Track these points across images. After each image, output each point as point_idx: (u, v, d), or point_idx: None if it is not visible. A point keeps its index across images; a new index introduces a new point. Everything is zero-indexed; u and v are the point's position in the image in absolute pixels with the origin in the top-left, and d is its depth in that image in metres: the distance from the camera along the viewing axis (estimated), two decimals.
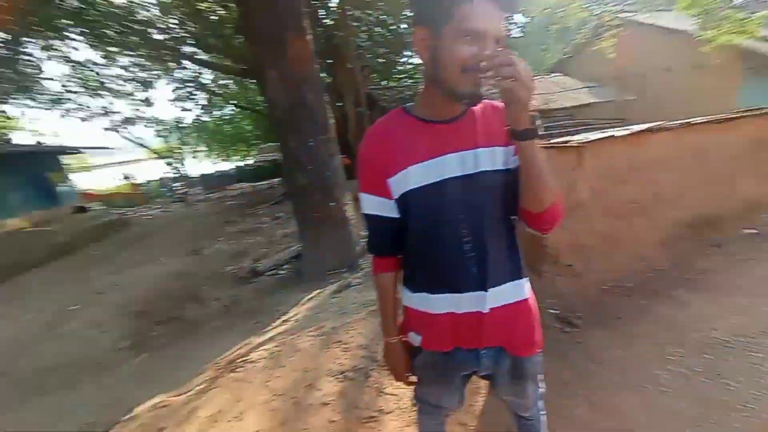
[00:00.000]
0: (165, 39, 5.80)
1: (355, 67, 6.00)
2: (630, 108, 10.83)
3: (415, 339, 1.09)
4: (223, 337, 3.34)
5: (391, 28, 8.10)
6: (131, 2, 5.65)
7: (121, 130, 14.99)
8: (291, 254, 5.01)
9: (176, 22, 6.40)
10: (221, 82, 11.60)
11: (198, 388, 2.33)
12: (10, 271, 7.10)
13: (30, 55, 6.16)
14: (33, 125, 16.80)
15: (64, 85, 10.03)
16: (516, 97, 0.77)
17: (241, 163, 18.40)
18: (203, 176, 15.96)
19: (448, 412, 1.28)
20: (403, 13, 7.12)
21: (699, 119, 3.40)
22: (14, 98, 9.80)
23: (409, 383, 1.19)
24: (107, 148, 14.44)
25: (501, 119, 0.91)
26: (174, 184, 17.52)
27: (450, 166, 0.93)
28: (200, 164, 22.59)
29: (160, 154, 19.39)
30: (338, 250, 4.07)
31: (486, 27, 0.81)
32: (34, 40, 5.44)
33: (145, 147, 18.40)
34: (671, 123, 3.30)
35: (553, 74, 12.69)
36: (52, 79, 10.16)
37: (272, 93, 3.77)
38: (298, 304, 3.38)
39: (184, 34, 6.05)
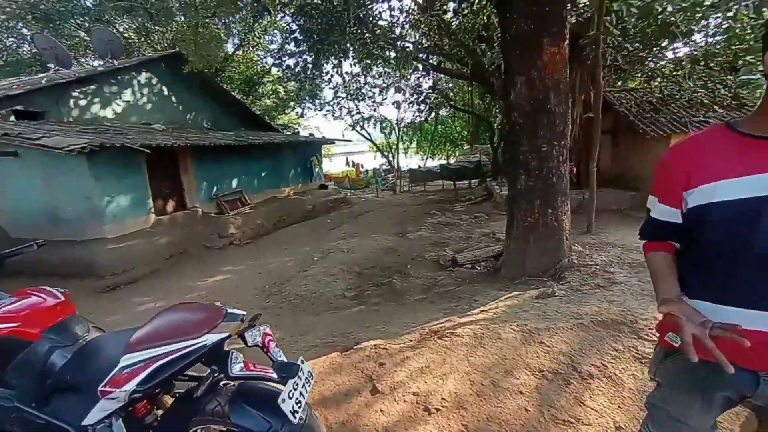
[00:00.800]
0: (411, 50, 6.86)
1: (596, 68, 5.50)
2: None
3: (675, 340, 1.03)
4: (426, 309, 3.80)
5: (658, 14, 6.97)
6: (392, 23, 7.00)
7: (357, 126, 18.56)
8: (489, 253, 5.16)
9: (421, 34, 7.50)
10: (444, 86, 12.68)
11: (410, 342, 2.79)
12: (279, 224, 9.96)
13: (323, 71, 8.42)
14: (308, 122, 22.78)
15: (336, 92, 13.33)
16: None
17: (445, 162, 19.67)
18: (411, 170, 17.93)
19: (685, 430, 1.12)
20: None
21: None
22: (304, 102, 13.77)
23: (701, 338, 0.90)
24: (350, 141, 18.13)
25: None
26: (386, 175, 20.39)
27: None
28: (409, 159, 25.44)
29: (379, 148, 22.91)
30: (544, 257, 3.94)
31: None
32: (327, 60, 7.46)
33: (370, 141, 22.14)
34: None
35: None
36: (331, 88, 13.55)
37: (517, 97, 3.89)
38: (496, 299, 3.50)
39: (427, 44, 7.00)
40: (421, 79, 11.95)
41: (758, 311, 0.94)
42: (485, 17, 7.31)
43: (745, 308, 0.96)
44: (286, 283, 5.50)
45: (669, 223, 1.09)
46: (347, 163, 24.53)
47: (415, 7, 7.21)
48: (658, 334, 1.21)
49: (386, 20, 7.21)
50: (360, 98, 13.72)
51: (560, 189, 3.90)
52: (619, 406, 1.96)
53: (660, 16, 6.41)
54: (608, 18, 5.62)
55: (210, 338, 1.27)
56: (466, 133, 20.90)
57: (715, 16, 7.59)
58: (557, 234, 3.95)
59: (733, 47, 7.50)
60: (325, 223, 10.31)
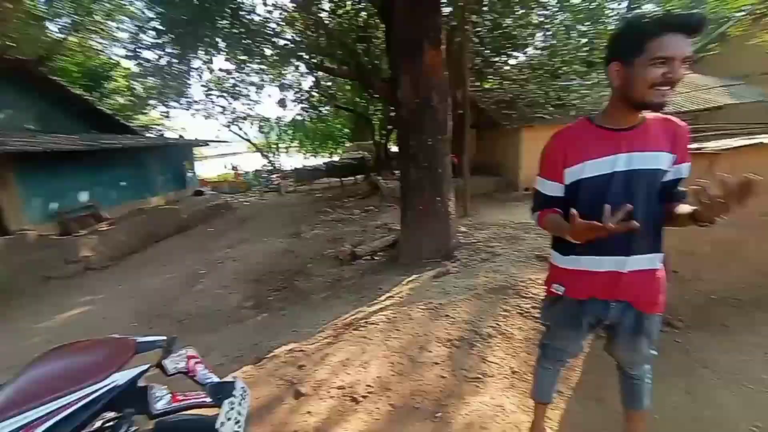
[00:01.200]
0: (289, 47, 6.66)
1: (463, 70, 6.23)
2: None
3: (558, 289, 1.39)
4: (333, 305, 3.81)
5: (503, 28, 8.20)
6: (266, 18, 6.66)
7: (233, 126, 17.24)
8: (386, 243, 5.43)
9: (298, 32, 7.34)
10: (324, 84, 12.67)
11: (325, 340, 2.77)
12: (149, 239, 8.64)
13: (191, 66, 7.52)
14: (172, 122, 20.08)
15: (206, 90, 12.03)
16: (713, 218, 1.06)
17: (329, 159, 19.77)
18: (296, 169, 17.52)
19: (569, 358, 1.57)
20: (514, 10, 7.24)
21: None
22: (169, 100, 12.09)
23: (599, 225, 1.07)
24: (226, 142, 16.63)
25: (668, 130, 1.21)
26: (269, 175, 19.48)
27: (619, 163, 1.21)
28: (292, 159, 24.76)
29: (259, 148, 21.72)
30: (437, 240, 4.34)
31: (674, 53, 1.05)
32: (195, 55, 6.67)
33: (248, 141, 20.80)
34: None
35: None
36: (202, 85, 12.17)
37: (404, 96, 4.17)
38: (399, 284, 3.71)
39: (305, 42, 6.89)
40: (301, 78, 11.72)
41: (608, 256, 1.27)
42: (363, 18, 7.57)
43: (600, 255, 1.28)
44: (171, 304, 4.86)
45: (555, 197, 1.34)
46: (225, 166, 22.62)
47: (291, 4, 7.03)
48: (545, 286, 1.51)
49: (260, 15, 6.84)
50: (235, 96, 12.72)
51: (446, 178, 4.34)
52: (512, 356, 2.32)
53: (505, 29, 7.63)
54: (467, 28, 6.42)
55: (118, 377, 1.06)
56: (347, 130, 21.33)
57: (540, 34, 9.38)
58: (445, 219, 4.39)
59: (555, 59, 9.36)
60: (207, 233, 9.36)
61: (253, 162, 24.67)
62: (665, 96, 1.10)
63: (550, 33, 9.23)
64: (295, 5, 6.83)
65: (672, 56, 1.05)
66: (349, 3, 7.60)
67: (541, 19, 8.69)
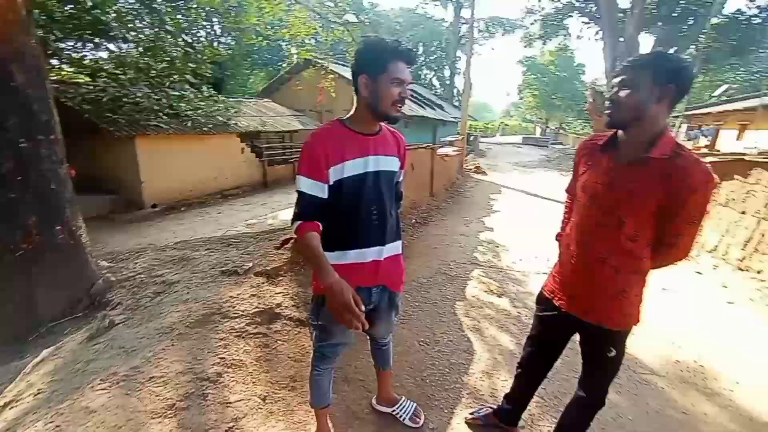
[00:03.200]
0: None
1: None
2: None
3: None
4: None
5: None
6: None
7: None
8: None
9: None
10: None
11: None
12: None
13: None
14: None
15: None
16: None
17: None
18: None
19: (344, 350, 1.66)
20: None
21: None
22: None
23: (362, 320, 1.21)
24: None
25: (396, 140, 1.51)
26: None
27: (369, 164, 1.38)
28: None
29: None
30: (68, 288, 2.97)
31: (405, 77, 1.31)
32: None
33: None
34: None
35: (263, 99, 13.82)
36: None
37: None
38: (21, 374, 2.26)
39: None
40: None
41: (371, 248, 1.45)
42: None
43: (365, 248, 1.44)
44: None
45: (318, 197, 1.32)
46: None
47: None
48: (313, 283, 1.48)
49: None
50: None
51: (67, 197, 3.01)
52: (254, 384, 2.08)
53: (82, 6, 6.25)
54: None
55: None
56: None
57: (147, 30, 8.40)
58: (77, 254, 3.08)
59: (161, 63, 8.73)
60: None
61: None
62: (400, 111, 1.36)
63: (151, 32, 8.50)
64: None
65: (405, 79, 1.30)
66: None
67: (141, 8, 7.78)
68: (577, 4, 16.24)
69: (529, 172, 14.21)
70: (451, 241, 5.25)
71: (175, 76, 8.95)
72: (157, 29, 8.30)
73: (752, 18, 12.21)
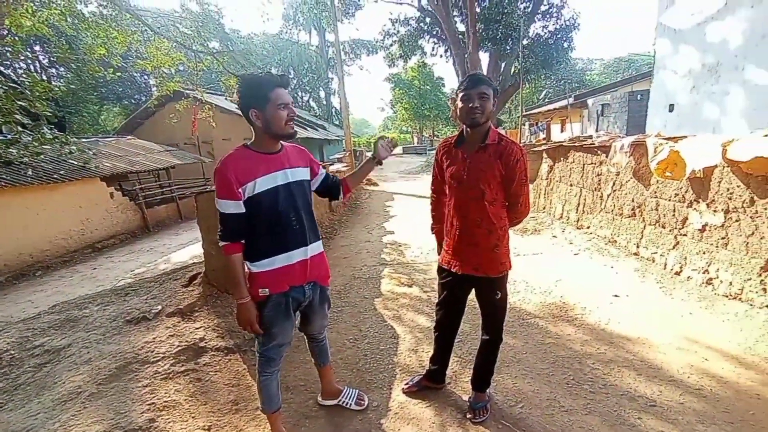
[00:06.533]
0: None
1: None
2: (208, 168, 12.89)
3: (264, 291, 1.63)
4: None
5: None
6: None
7: None
8: None
9: None
10: None
11: None
12: None
13: None
14: None
15: None
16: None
17: None
18: None
19: (286, 351, 1.80)
20: None
21: None
22: None
23: (259, 331, 1.62)
24: None
25: (301, 152, 1.77)
26: None
27: (279, 177, 1.62)
28: None
29: None
30: None
31: (286, 99, 1.57)
32: None
33: None
34: None
35: (126, 137, 12.30)
36: None
37: None
38: None
39: None
40: None
41: (295, 250, 1.66)
42: None
43: (289, 251, 1.64)
44: None
45: (237, 214, 1.53)
46: None
47: None
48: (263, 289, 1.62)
49: None
50: None
51: None
52: (193, 418, 2.03)
53: None
54: None
55: None
56: None
57: None
58: None
59: None
60: None
61: None
62: (293, 128, 1.60)
63: None
64: None
65: (287, 102, 1.53)
66: None
67: None
68: (426, 27, 18.60)
69: (413, 178, 15.56)
70: (359, 248, 5.57)
71: (1, 119, 7.49)
72: None
73: (548, 39, 15.97)
